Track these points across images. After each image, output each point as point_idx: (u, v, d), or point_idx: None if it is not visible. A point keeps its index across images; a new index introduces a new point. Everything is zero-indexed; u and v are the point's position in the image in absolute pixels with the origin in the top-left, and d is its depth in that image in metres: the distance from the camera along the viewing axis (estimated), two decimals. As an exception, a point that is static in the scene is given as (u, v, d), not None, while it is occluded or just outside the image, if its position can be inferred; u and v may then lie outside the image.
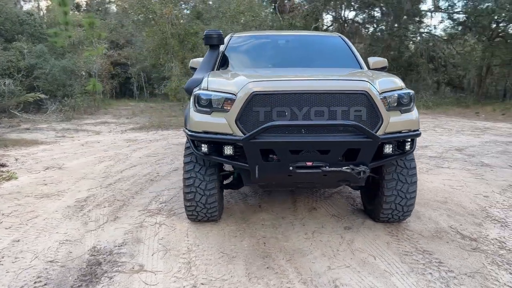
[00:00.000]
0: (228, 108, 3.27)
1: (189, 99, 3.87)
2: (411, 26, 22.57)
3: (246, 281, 2.97)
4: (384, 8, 22.93)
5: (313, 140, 3.14)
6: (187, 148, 3.79)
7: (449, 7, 23.94)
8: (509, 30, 20.44)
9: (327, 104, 3.16)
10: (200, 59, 4.81)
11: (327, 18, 24.30)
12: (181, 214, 4.30)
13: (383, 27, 23.55)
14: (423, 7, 23.51)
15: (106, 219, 4.23)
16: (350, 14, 26.46)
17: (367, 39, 23.14)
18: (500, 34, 20.58)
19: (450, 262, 3.30)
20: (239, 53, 4.88)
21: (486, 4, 19.75)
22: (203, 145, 3.40)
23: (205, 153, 3.41)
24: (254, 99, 3.16)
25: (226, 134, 3.25)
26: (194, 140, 3.47)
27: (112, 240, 3.70)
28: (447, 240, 3.74)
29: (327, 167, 3.22)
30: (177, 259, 3.31)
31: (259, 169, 3.22)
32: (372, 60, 4.77)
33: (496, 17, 20.90)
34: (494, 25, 20.53)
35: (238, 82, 3.37)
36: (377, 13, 23.69)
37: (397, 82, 3.50)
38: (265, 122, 3.15)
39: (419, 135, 3.43)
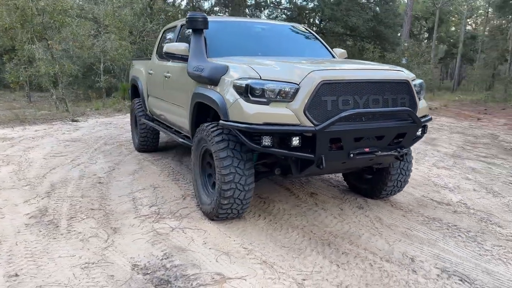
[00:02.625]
0: (288, 97, 3.16)
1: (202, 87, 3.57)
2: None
3: (340, 269, 2.99)
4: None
5: (374, 127, 3.31)
6: (219, 142, 3.49)
7: (276, 3, 26.34)
8: (332, 27, 23.64)
9: (381, 93, 3.37)
10: (176, 44, 4.38)
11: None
12: (190, 215, 3.93)
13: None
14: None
15: (105, 233, 3.56)
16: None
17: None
18: (323, 32, 23.77)
19: (459, 224, 3.93)
20: (217, 40, 4.60)
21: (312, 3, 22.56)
22: (264, 137, 3.20)
23: (266, 146, 3.21)
24: (322, 88, 3.14)
25: (294, 125, 3.14)
26: (252, 133, 3.22)
27: (148, 254, 3.18)
28: (433, 208, 4.40)
29: (379, 151, 3.44)
30: (249, 261, 3.08)
31: (325, 158, 3.23)
32: (338, 51, 5.14)
33: (319, 14, 23.95)
34: (318, 22, 23.55)
35: (296, 70, 3.27)
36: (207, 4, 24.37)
37: (410, 72, 3.93)
38: (332, 111, 3.17)
39: (431, 119, 3.94)
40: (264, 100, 3.17)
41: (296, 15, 25.56)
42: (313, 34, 5.27)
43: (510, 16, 31.14)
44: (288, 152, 3.23)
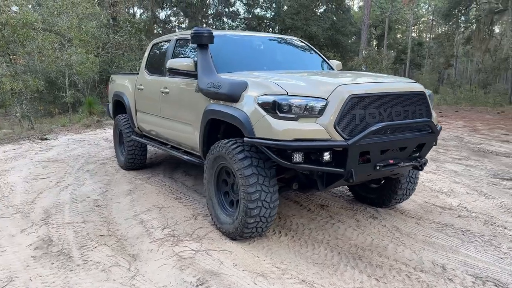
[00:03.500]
0: (316, 113, 3.15)
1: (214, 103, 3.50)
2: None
3: (380, 283, 2.99)
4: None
5: (398, 139, 3.37)
6: (243, 159, 3.41)
7: (233, 14, 26.47)
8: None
9: (403, 105, 3.44)
10: (181, 60, 4.27)
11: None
12: (208, 236, 3.81)
13: (184, 26, 24.30)
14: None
15: (125, 261, 3.38)
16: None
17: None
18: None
19: (471, 229, 4.06)
20: (222, 55, 4.52)
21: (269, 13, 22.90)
22: (295, 154, 3.16)
23: (297, 162, 3.17)
24: (351, 102, 3.15)
25: (324, 140, 3.12)
26: (284, 150, 3.17)
27: (180, 280, 3.03)
28: (439, 213, 4.53)
29: (402, 162, 3.49)
30: (287, 281, 3.01)
31: (354, 172, 3.24)
32: (335, 63, 5.21)
33: (280, 24, 24.31)
34: (278, 32, 23.90)
35: (323, 85, 3.27)
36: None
37: None
38: (360, 125, 3.19)
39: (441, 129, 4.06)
40: (292, 116, 3.14)
41: (256, 25, 25.78)
42: (310, 47, 5.31)
43: (455, 25, 33.03)
44: (319, 167, 3.21)
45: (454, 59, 38.76)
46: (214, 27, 24.81)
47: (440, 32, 41.90)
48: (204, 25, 26.68)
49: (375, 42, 44.69)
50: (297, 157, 3.15)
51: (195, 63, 4.22)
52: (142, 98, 5.73)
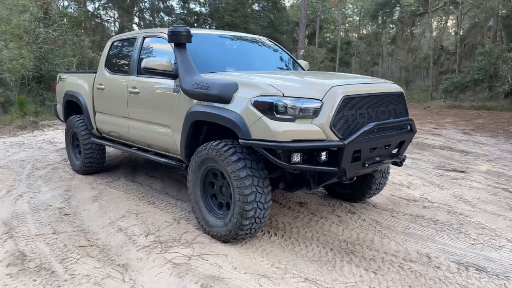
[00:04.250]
0: (312, 114, 3.22)
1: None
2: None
3: (378, 276, 3.13)
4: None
5: (384, 137, 3.54)
6: (236, 161, 3.39)
7: (169, 9, 25.96)
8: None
9: (386, 104, 3.62)
10: (158, 59, 4.12)
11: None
12: (197, 240, 3.73)
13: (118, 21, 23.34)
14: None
15: (117, 272, 3.22)
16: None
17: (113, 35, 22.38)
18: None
19: (439, 219, 4.38)
20: (199, 54, 4.42)
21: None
22: (295, 155, 3.20)
23: (295, 162, 3.22)
24: (345, 103, 3.26)
25: (321, 141, 3.20)
26: (283, 150, 3.20)
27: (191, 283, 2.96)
28: (407, 205, 4.83)
29: (386, 159, 3.68)
30: (291, 280, 3.05)
31: (348, 170, 3.35)
32: (303, 63, 5.33)
33: (218, 21, 24.22)
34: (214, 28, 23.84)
35: (317, 86, 3.34)
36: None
37: None
38: (352, 124, 3.32)
39: None
40: (290, 117, 3.18)
41: (194, 21, 25.43)
42: (279, 47, 5.37)
43: (382, 25, 35.04)
44: (315, 167, 3.28)
45: (380, 57, 41.16)
46: (147, 22, 24.06)
47: (365, 32, 44.26)
48: (137, 20, 25.80)
49: (306, 41, 46.13)
50: (296, 157, 3.20)
51: (172, 62, 4.09)
52: (102, 98, 5.44)
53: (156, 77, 4.30)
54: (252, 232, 3.56)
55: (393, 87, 3.80)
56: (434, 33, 32.79)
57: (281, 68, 4.91)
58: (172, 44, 4.19)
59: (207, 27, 26.46)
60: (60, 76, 6.81)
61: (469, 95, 21.14)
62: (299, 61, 5.34)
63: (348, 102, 3.28)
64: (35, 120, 11.51)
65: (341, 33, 44.96)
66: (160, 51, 4.56)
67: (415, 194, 5.29)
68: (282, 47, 5.36)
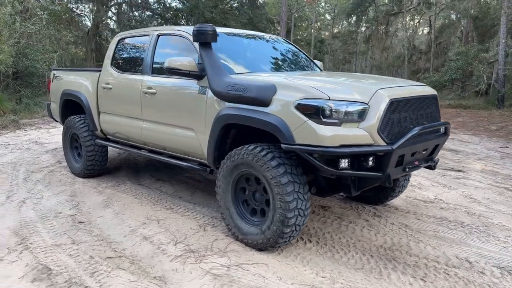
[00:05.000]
0: (358, 117, 3.13)
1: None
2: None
3: (427, 283, 3.07)
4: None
5: (424, 141, 3.49)
6: (277, 166, 3.25)
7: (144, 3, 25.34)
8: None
9: (424, 108, 3.57)
10: (182, 59, 3.92)
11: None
12: (230, 248, 3.58)
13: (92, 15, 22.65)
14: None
15: (156, 285, 3.04)
16: None
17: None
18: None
19: (464, 221, 4.39)
20: (224, 54, 4.25)
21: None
22: (343, 160, 3.09)
23: (343, 168, 3.12)
24: (391, 106, 3.18)
25: (369, 145, 3.11)
26: (331, 156, 3.09)
27: (234, 302, 2.81)
28: (426, 207, 4.83)
29: (423, 163, 3.64)
30: (342, 290, 2.97)
31: (392, 175, 3.28)
32: (319, 63, 5.24)
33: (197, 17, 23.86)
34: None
35: (362, 89, 3.25)
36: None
37: None
38: (397, 128, 3.25)
39: None
40: (336, 121, 3.07)
41: (172, 16, 24.95)
42: (295, 46, 5.25)
43: (357, 24, 35.47)
44: (361, 172, 3.19)
45: (354, 56, 41.73)
46: (126, 17, 23.43)
47: (337, 30, 44.72)
48: (110, 13, 25.07)
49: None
50: (344, 163, 3.09)
51: (195, 62, 3.91)
52: (109, 98, 5.17)
53: (176, 77, 4.12)
54: (290, 240, 3.44)
55: (429, 90, 3.77)
56: (408, 33, 33.44)
57: (303, 68, 4.79)
58: (196, 43, 4.01)
59: (185, 22, 26.03)
60: (54, 74, 6.46)
61: (446, 93, 21.72)
62: (316, 61, 5.23)
63: (394, 106, 3.20)
64: (15, 118, 10.96)
65: (314, 31, 45.26)
66: (179, 50, 4.35)
67: (429, 195, 5.30)
68: (297, 47, 5.25)
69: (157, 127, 4.49)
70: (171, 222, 4.15)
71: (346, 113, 3.07)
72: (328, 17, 45.59)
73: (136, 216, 4.32)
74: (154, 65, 4.58)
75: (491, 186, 5.90)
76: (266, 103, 3.29)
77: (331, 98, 3.09)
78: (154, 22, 24.05)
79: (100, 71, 5.54)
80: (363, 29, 35.86)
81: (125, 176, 5.94)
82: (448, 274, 3.21)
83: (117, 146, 5.33)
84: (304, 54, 5.17)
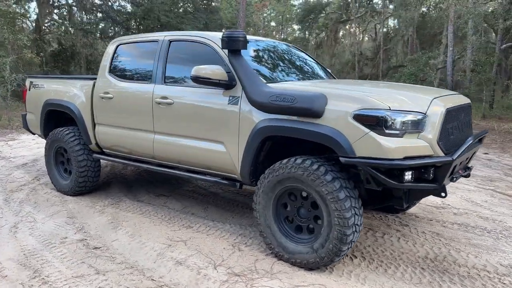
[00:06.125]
0: (418, 128, 3.04)
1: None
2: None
3: (490, 294, 3.05)
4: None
5: (470, 150, 3.48)
6: (332, 181, 3.09)
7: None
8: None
9: (465, 116, 3.58)
10: (212, 67, 3.66)
11: None
12: (275, 269, 3.35)
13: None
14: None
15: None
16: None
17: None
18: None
19: (486, 226, 4.46)
20: (252, 60, 4.02)
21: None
22: (407, 173, 2.99)
23: (407, 181, 3.01)
24: (446, 116, 3.14)
25: (429, 156, 3.04)
26: (394, 169, 2.97)
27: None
28: (440, 212, 4.87)
29: (464, 172, 3.64)
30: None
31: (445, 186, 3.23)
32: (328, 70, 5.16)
33: (153, 21, 23.20)
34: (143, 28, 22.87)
35: (419, 99, 3.18)
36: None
37: None
38: (450, 138, 3.21)
39: None
40: (397, 132, 2.96)
41: (124, 20, 24.02)
42: (307, 54, 5.12)
43: (308, 30, 36.24)
44: (421, 184, 3.10)
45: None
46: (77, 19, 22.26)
47: (285, 36, 45.46)
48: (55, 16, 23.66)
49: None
50: (408, 176, 2.99)
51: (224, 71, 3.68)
52: (109, 109, 4.75)
53: (197, 87, 3.86)
54: (341, 257, 3.28)
55: (466, 98, 3.78)
56: (356, 40, 34.68)
57: (322, 77, 4.66)
58: (220, 50, 3.79)
59: (137, 27, 25.19)
60: (32, 82, 5.87)
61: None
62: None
63: (448, 115, 3.16)
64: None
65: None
66: (199, 57, 4.06)
67: (436, 200, 5.36)
68: (309, 54, 5.12)
69: (173, 140, 4.16)
70: (199, 243, 3.84)
71: (407, 123, 2.97)
72: (273, 24, 46.18)
73: (155, 238, 3.97)
74: (167, 73, 4.26)
75: (481, 189, 6.09)
76: (318, 114, 3.12)
77: (391, 108, 2.98)
78: (111, 26, 23.06)
79: (92, 79, 5.10)
80: (314, 35, 36.69)
81: (120, 192, 5.50)
82: (504, 283, 3.20)
83: (118, 160, 4.91)
84: (316, 62, 5.05)
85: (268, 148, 3.65)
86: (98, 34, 22.44)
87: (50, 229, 4.23)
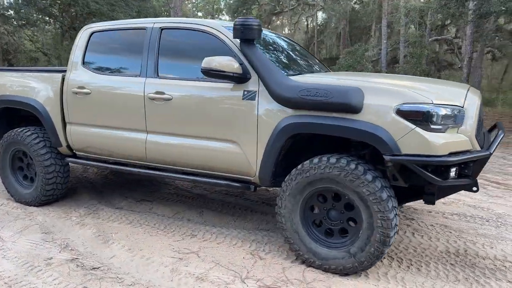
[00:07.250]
0: (458, 122, 2.95)
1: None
2: None
3: (526, 286, 3.06)
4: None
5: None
6: (372, 181, 2.90)
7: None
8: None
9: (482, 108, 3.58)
10: (226, 59, 3.29)
11: None
12: (308, 276, 3.11)
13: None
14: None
15: None
16: None
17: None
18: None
19: (483, 215, 4.56)
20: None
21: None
22: (452, 169, 2.87)
23: (453, 178, 2.90)
24: (479, 109, 3.10)
25: (470, 151, 2.96)
26: (441, 166, 2.83)
27: None
28: (457, 206, 4.84)
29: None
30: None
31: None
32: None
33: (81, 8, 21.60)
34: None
35: (455, 92, 3.09)
36: None
37: None
38: (480, 131, 3.18)
39: None
40: (441, 127, 2.84)
41: (47, 6, 22.03)
42: (303, 48, 4.87)
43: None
44: (460, 179, 3.01)
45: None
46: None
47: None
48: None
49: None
50: (453, 172, 2.88)
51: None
52: (86, 106, 4.16)
53: (201, 81, 3.49)
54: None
55: (476, 90, 3.78)
56: (288, 32, 35.15)
57: (319, 70, 4.44)
58: (230, 40, 3.44)
59: (57, 13, 23.26)
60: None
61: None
62: (314, 60, 4.93)
63: (480, 108, 3.11)
64: None
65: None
66: (200, 47, 3.66)
67: (422, 191, 5.42)
68: (305, 48, 4.88)
69: (173, 140, 3.72)
70: (213, 253, 3.47)
71: (450, 117, 2.86)
72: (199, 14, 45.09)
73: (159, 251, 3.53)
74: (161, 65, 3.79)
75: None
76: (356, 110, 2.90)
77: (434, 102, 2.84)
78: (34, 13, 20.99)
79: (59, 71, 4.46)
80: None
81: (92, 199, 4.91)
82: (532, 273, 3.23)
83: (94, 163, 4.35)
84: (310, 53, 4.83)
85: (287, 148, 3.36)
86: (22, 22, 20.37)
87: (25, 248, 3.61)
